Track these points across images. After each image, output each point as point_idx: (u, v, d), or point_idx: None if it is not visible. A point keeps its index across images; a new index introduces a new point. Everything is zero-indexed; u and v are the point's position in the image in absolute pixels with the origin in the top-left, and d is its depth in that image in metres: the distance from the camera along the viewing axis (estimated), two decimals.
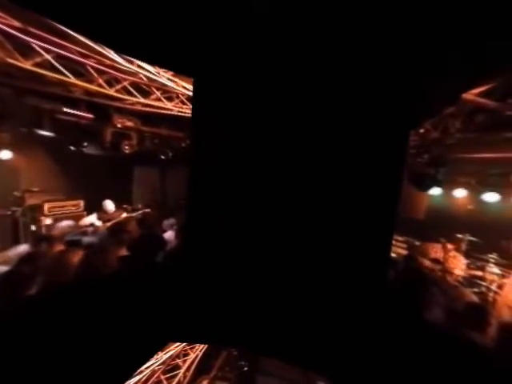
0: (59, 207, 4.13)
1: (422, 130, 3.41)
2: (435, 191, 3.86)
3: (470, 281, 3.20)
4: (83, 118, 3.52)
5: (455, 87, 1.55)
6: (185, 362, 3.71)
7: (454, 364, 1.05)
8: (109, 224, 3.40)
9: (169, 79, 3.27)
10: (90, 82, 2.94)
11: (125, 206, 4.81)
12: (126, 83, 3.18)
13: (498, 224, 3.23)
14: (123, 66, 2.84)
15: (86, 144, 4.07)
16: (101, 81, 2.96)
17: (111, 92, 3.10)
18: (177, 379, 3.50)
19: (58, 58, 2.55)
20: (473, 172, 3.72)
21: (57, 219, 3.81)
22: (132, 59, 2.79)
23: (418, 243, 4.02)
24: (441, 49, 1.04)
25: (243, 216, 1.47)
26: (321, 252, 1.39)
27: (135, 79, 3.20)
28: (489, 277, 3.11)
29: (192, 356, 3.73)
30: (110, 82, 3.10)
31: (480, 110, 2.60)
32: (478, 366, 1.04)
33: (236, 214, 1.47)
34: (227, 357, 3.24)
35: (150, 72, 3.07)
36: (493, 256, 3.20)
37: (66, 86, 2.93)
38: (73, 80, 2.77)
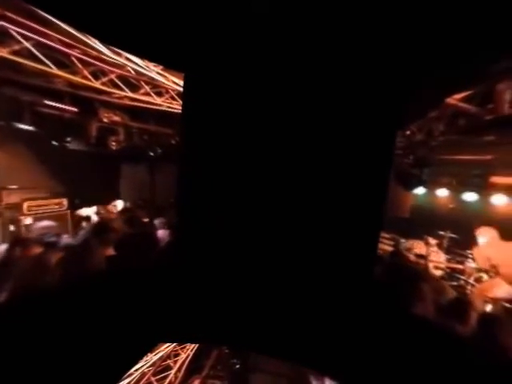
0: (40, 206, 3.93)
1: (408, 132, 3.60)
2: (420, 191, 4.08)
3: (451, 275, 3.38)
4: (66, 111, 3.36)
5: (439, 92, 1.67)
6: (176, 362, 3.66)
7: (436, 352, 1.09)
8: (97, 220, 3.29)
9: (158, 73, 3.18)
10: (74, 73, 2.80)
11: (114, 204, 4.65)
12: (112, 76, 3.05)
13: (476, 222, 3.39)
14: (110, 57, 2.73)
15: (69, 139, 3.89)
16: (86, 72, 2.83)
17: (97, 85, 2.98)
18: (168, 380, 3.45)
19: (39, 46, 2.41)
20: (454, 173, 3.94)
21: (38, 219, 3.63)
22: (120, 51, 2.68)
23: (403, 240, 4.19)
24: (428, 56, 1.10)
25: (234, 214, 1.46)
26: (311, 249, 1.42)
27: (123, 72, 3.08)
28: (467, 271, 3.30)
29: (183, 356, 3.69)
30: (96, 75, 2.97)
31: (461, 114, 2.76)
32: (457, 353, 1.10)
33: (226, 212, 1.47)
34: (219, 355, 3.23)
35: (139, 65, 2.97)
36: (471, 252, 3.39)
37: (48, 77, 2.78)
38: (55, 71, 2.62)
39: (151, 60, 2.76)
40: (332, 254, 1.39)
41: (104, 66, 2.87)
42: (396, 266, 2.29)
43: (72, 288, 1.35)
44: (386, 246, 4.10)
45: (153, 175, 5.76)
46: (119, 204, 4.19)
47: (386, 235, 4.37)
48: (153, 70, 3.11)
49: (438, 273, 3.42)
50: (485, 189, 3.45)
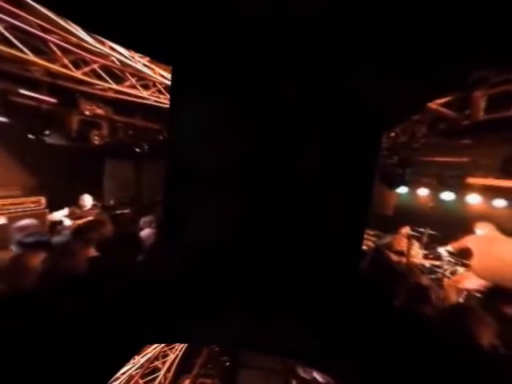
0: (15, 204, 3.67)
1: (392, 134, 3.81)
2: (402, 190, 4.32)
3: (429, 268, 3.65)
4: (44, 102, 3.16)
5: (422, 96, 1.72)
6: (164, 363, 3.59)
7: (417, 340, 1.16)
8: (80, 222, 3.12)
9: (145, 65, 3.06)
10: (53, 61, 2.63)
11: (95, 202, 4.44)
12: (95, 66, 2.90)
13: (453, 220, 3.62)
14: (92, 46, 2.58)
15: (47, 132, 3.66)
16: (66, 61, 2.67)
17: (78, 74, 2.82)
18: (157, 382, 3.36)
19: (13, 29, 2.23)
20: (434, 173, 4.19)
21: (13, 218, 3.38)
22: (103, 39, 2.55)
23: (387, 236, 4.40)
24: (411, 64, 1.18)
25: (221, 212, 1.45)
26: (300, 245, 1.44)
27: (106, 62, 2.94)
28: (444, 265, 3.57)
29: (172, 356, 3.62)
30: (77, 64, 2.81)
31: (442, 118, 2.96)
32: (431, 338, 1.17)
33: (214, 211, 1.45)
34: (209, 353, 3.19)
35: (124, 56, 2.83)
36: (446, 247, 3.62)
37: (24, 64, 2.59)
38: (31, 57, 2.45)
39: (137, 51, 2.65)
40: (321, 249, 1.43)
41: (86, 54, 2.72)
42: (379, 260, 2.41)
43: (54, 291, 1.29)
44: (370, 242, 4.29)
45: (139, 172, 5.58)
46: (87, 200, 3.76)
47: (371, 232, 4.58)
48: (139, 62, 2.98)
49: (418, 266, 3.64)
50: (461, 189, 3.72)
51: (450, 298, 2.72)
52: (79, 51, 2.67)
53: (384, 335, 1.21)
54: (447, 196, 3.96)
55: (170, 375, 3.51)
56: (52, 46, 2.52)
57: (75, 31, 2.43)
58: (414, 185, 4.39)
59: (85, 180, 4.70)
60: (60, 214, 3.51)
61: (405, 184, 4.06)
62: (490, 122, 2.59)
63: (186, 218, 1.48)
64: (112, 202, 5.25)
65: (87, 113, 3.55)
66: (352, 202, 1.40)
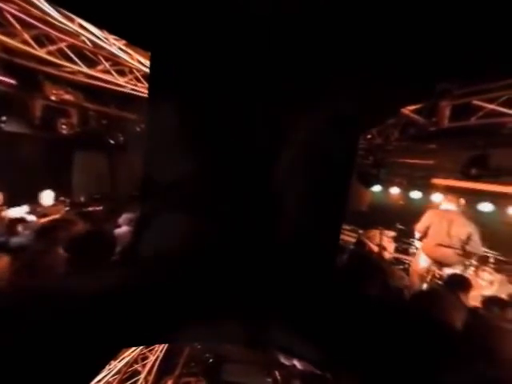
0: None
1: (369, 136, 4.10)
2: (377, 188, 4.80)
3: (398, 260, 4.00)
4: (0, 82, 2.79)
5: (396, 102, 1.93)
6: (144, 366, 3.41)
7: (392, 329, 1.22)
8: (44, 220, 2.80)
9: (121, 49, 2.82)
10: (10, 35, 2.31)
11: (62, 198, 4.04)
12: (62, 45, 2.61)
13: (419, 216, 3.94)
14: (59, 21, 2.31)
15: (4, 118, 3.25)
16: (26, 36, 2.36)
17: (41, 53, 2.51)
18: None
19: None
20: (404, 174, 4.65)
21: None
22: (71, 15, 2.29)
23: (361, 231, 4.83)
24: (388, 75, 1.31)
25: (202, 208, 1.41)
26: (280, 240, 1.45)
27: (76, 42, 2.65)
28: (411, 256, 3.93)
29: (152, 358, 3.44)
30: (41, 40, 2.50)
31: (412, 123, 3.24)
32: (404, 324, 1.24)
33: (194, 207, 1.40)
34: (191, 352, 3.07)
35: (96, 36, 2.58)
36: (414, 240, 4.02)
37: None
38: None
39: (111, 32, 2.42)
40: (300, 244, 1.47)
41: (51, 31, 2.42)
42: (355, 253, 2.57)
43: (18, 295, 1.17)
44: (346, 236, 4.58)
45: (114, 166, 5.22)
46: (47, 196, 3.40)
47: (347, 227, 4.90)
48: (114, 45, 2.74)
49: (389, 258, 3.98)
50: (427, 188, 4.14)
51: (414, 284, 2.95)
52: (43, 26, 2.37)
53: (360, 323, 1.26)
54: (415, 195, 4.40)
55: (151, 378, 3.35)
56: (9, 17, 2.21)
57: (38, 2, 2.16)
58: (386, 184, 4.82)
59: (50, 174, 4.26)
60: (19, 212, 3.13)
61: (379, 183, 4.47)
62: (452, 129, 2.91)
63: (164, 215, 1.41)
64: (83, 199, 4.84)
65: (53, 98, 3.21)
66: (331, 198, 1.47)
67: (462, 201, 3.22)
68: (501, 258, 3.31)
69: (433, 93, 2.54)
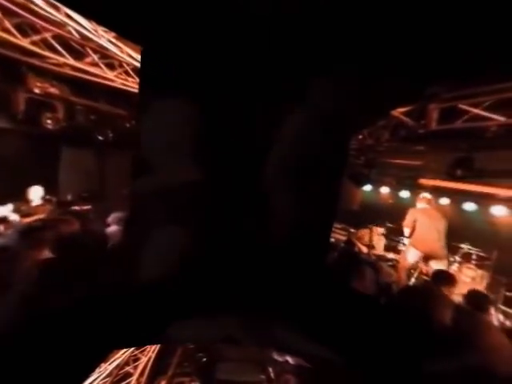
0: None
1: (360, 137, 4.19)
2: (367, 188, 5.02)
3: (387, 257, 4.17)
4: None
5: (387, 104, 1.94)
6: (136, 367, 3.34)
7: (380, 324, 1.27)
8: (29, 220, 2.68)
9: (110, 42, 2.72)
10: None
11: (48, 197, 3.88)
12: (47, 35, 2.49)
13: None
14: (43, 10, 2.19)
15: None
16: (8, 24, 2.23)
17: (24, 43, 2.38)
18: None
19: None
20: (394, 174, 4.78)
21: None
22: (57, 3, 2.18)
23: (352, 230, 5.02)
24: (380, 77, 1.33)
25: (192, 207, 1.39)
26: (272, 240, 1.46)
27: (62, 32, 2.53)
28: (399, 253, 4.08)
29: (144, 360, 3.38)
30: (23, 29, 2.37)
31: (402, 125, 3.35)
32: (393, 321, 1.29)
33: (184, 206, 1.38)
34: (184, 351, 3.04)
35: (84, 27, 2.47)
36: (402, 237, 4.16)
37: None
38: None
39: (99, 23, 2.33)
40: (293, 242, 1.49)
41: (35, 19, 2.30)
42: (346, 251, 2.64)
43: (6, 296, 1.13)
44: (337, 234, 4.70)
45: (102, 163, 5.06)
46: (35, 193, 3.22)
47: (338, 225, 5.03)
48: (102, 37, 2.64)
49: (378, 255, 4.19)
50: (415, 188, 4.27)
51: (402, 280, 3.08)
52: (26, 14, 2.25)
53: (350, 320, 1.29)
54: (404, 194, 4.58)
55: (143, 379, 3.30)
56: None
57: None
58: (377, 183, 5.00)
59: (35, 171, 4.07)
60: (2, 211, 2.99)
61: (370, 182, 4.67)
62: (440, 131, 3.03)
63: (154, 214, 1.39)
64: (70, 197, 4.67)
65: (37, 91, 3.06)
66: (322, 197, 1.48)
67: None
68: (482, 255, 3.46)
69: (423, 95, 2.62)
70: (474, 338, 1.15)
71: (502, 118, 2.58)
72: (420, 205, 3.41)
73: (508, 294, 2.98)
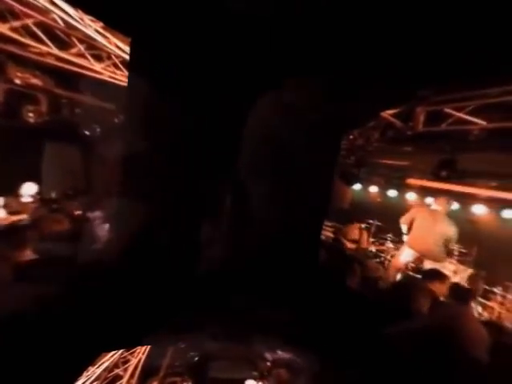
0: None
1: (351, 137, 4.32)
2: (357, 187, 5.15)
3: (375, 253, 4.30)
4: None
5: (377, 106, 1.99)
6: (126, 370, 3.25)
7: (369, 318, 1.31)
8: (16, 218, 2.54)
9: (97, 32, 2.60)
10: None
11: (34, 194, 3.68)
12: (29, 21, 2.34)
13: (395, 213, 4.23)
14: None
15: None
16: None
17: (3, 29, 2.23)
18: None
19: None
20: (382, 174, 4.92)
21: None
22: None
23: (341, 227, 5.08)
24: (371, 81, 1.36)
25: (181, 204, 1.36)
26: (267, 236, 1.47)
27: (45, 19, 2.39)
28: (387, 250, 4.25)
29: (134, 361, 3.29)
30: (3, 15, 2.23)
31: (391, 126, 3.48)
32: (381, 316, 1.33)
33: (174, 204, 1.35)
34: (175, 351, 2.99)
35: (69, 15, 2.34)
36: (390, 235, 4.39)
37: None
38: None
39: (86, 12, 2.22)
40: (286, 239, 1.50)
41: (15, 4, 2.16)
42: (335, 248, 2.70)
43: None
44: (328, 232, 4.76)
45: (88, 159, 4.86)
46: (28, 189, 3.12)
47: (329, 223, 5.14)
48: (89, 26, 2.52)
49: (367, 252, 4.26)
50: (402, 188, 4.45)
51: (391, 277, 3.16)
52: None
53: (341, 316, 1.31)
54: (392, 193, 4.75)
55: (134, 381, 3.22)
56: None
57: None
58: (366, 183, 5.14)
59: (15, 167, 3.85)
60: None
61: (359, 182, 4.84)
62: (426, 133, 3.15)
63: (142, 212, 1.35)
64: (54, 195, 4.46)
65: (18, 81, 2.89)
66: (314, 196, 1.52)
67: (450, 204, 3.36)
68: (463, 251, 3.65)
69: (410, 98, 2.72)
70: (454, 328, 1.22)
71: (483, 122, 2.71)
72: (434, 206, 3.36)
73: (486, 287, 3.15)
